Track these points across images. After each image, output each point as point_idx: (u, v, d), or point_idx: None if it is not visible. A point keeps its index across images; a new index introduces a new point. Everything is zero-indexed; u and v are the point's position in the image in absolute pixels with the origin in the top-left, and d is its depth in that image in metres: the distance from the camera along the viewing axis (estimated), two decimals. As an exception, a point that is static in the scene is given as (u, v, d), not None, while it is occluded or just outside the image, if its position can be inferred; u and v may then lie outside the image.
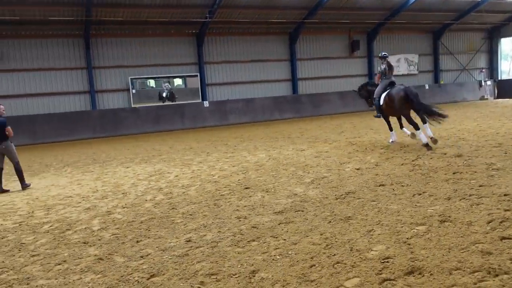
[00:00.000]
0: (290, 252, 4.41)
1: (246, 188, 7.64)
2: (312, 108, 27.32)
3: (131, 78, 23.45)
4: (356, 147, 11.42)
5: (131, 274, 4.24)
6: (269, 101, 26.42)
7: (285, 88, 27.77)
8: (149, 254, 4.75)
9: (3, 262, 4.85)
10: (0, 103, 9.85)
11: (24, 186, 9.28)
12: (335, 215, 5.53)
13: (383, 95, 10.94)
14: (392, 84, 10.98)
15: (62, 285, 4.09)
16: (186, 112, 24.24)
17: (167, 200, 7.27)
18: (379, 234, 4.66)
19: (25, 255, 5.04)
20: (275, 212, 5.92)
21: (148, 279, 4.09)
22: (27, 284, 4.18)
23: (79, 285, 4.06)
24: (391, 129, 11.71)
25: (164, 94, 24.18)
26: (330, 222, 5.28)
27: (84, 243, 5.32)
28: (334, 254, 4.24)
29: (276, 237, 4.91)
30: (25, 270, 4.55)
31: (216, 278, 3.96)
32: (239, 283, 3.82)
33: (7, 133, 9.04)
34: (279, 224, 5.38)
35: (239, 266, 4.18)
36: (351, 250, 4.29)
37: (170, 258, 4.56)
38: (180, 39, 24.70)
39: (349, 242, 4.52)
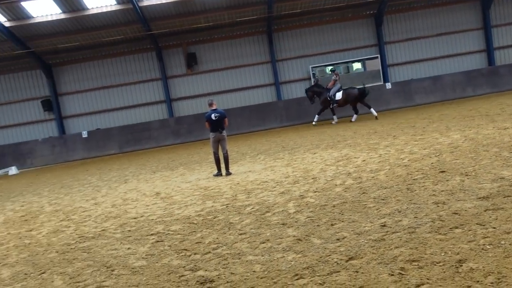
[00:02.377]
0: (502, 242, 3.95)
1: (442, 171, 7.12)
2: (514, 80, 23.80)
3: (311, 67, 24.07)
4: None
5: (329, 255, 4.38)
6: (460, 77, 23.98)
7: (478, 60, 24.81)
8: (345, 237, 4.83)
9: (217, 238, 5.54)
10: (212, 98, 11.33)
11: (228, 173, 10.43)
12: (557, 201, 4.74)
13: (339, 93, 20.08)
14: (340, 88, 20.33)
15: (268, 262, 4.47)
16: (368, 96, 23.71)
17: (357, 184, 7.27)
18: None
19: (234, 233, 5.67)
20: (479, 198, 5.37)
21: (346, 261, 4.17)
22: (239, 258, 4.70)
23: (282, 263, 4.38)
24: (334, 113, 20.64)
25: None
26: (551, 209, 4.55)
27: (283, 224, 5.71)
28: (561, 247, 3.64)
29: (483, 225, 4.46)
30: (235, 246, 5.12)
31: (418, 265, 3.80)
32: (444, 271, 3.60)
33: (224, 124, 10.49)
34: (485, 211, 4.87)
35: (442, 254, 3.94)
36: None
37: (367, 242, 4.55)
38: (357, 22, 24.29)
39: None
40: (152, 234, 6.19)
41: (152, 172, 13.29)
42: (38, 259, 5.88)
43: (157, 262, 4.96)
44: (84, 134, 23.54)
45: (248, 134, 22.24)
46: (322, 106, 20.85)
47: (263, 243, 5.09)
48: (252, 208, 6.81)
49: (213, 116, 10.36)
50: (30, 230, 7.78)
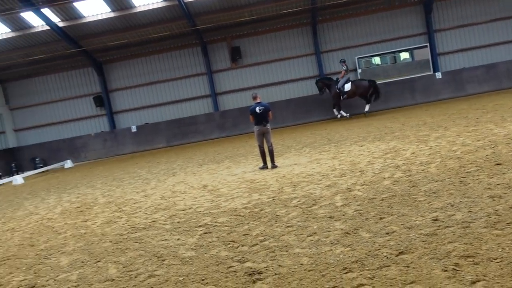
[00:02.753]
0: None
1: (497, 164, 6.80)
2: None
3: (357, 58, 23.60)
4: None
5: (379, 249, 4.30)
6: (517, 64, 22.71)
7: (537, 46, 23.41)
8: (394, 231, 4.72)
9: (264, 230, 5.58)
10: (256, 92, 11.42)
11: (273, 166, 10.45)
12: None
13: (348, 84, 20.16)
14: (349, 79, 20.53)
15: (315, 255, 4.45)
16: (416, 86, 23.00)
17: (406, 177, 7.08)
18: None
19: (281, 225, 5.68)
20: (540, 191, 5.10)
21: (396, 255, 4.08)
22: (286, 251, 4.70)
23: (330, 256, 4.35)
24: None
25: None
26: None
27: (330, 217, 5.66)
28: None
29: (545, 220, 4.23)
30: (283, 239, 5.13)
31: (473, 261, 3.66)
32: (502, 268, 3.45)
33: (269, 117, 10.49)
34: (546, 205, 4.61)
35: (500, 250, 3.77)
36: None
37: (418, 237, 4.43)
38: (405, 10, 23.53)
39: None
40: (200, 226, 6.32)
41: (199, 165, 13.53)
42: (93, 248, 6.15)
43: (205, 253, 5.06)
44: (133, 129, 24.30)
45: (293, 127, 22.15)
46: (334, 99, 21.19)
47: (310, 236, 5.07)
48: (299, 201, 6.79)
49: (257, 109, 10.39)
50: (85, 221, 8.14)
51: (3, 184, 18.66)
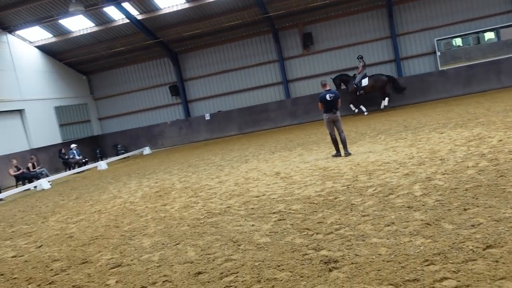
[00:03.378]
0: None
1: None
2: None
3: (436, 40, 22.29)
4: None
5: (463, 242, 4.06)
6: None
7: None
8: (481, 223, 4.44)
9: (339, 219, 5.49)
10: (325, 79, 11.26)
11: (347, 153, 10.25)
12: None
13: (365, 80, 20.09)
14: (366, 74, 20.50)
15: (394, 245, 4.30)
16: (502, 68, 21.27)
17: (492, 167, 6.62)
18: None
19: (356, 214, 5.56)
20: None
21: (484, 249, 3.84)
22: (363, 240, 4.60)
23: (410, 247, 4.18)
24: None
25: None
26: None
27: (409, 207, 5.44)
28: None
29: None
30: (358, 228, 5.02)
31: None
32: None
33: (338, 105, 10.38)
34: None
35: None
36: None
37: (507, 230, 4.13)
38: (491, -14, 21.76)
39: None
40: (274, 213, 6.36)
41: (271, 152, 13.61)
42: (172, 231, 6.42)
43: (280, 240, 5.09)
44: (207, 117, 24.97)
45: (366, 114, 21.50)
46: (352, 95, 21.12)
47: (388, 226, 4.91)
48: (375, 190, 6.60)
49: (327, 96, 10.23)
50: (164, 205, 8.53)
51: (89, 169, 20.07)
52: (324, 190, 7.18)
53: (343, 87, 21.44)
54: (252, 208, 6.87)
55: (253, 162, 12.24)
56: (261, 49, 24.41)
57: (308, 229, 5.31)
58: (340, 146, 10.40)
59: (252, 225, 5.93)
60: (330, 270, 3.99)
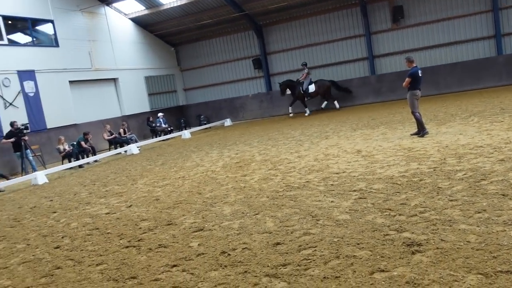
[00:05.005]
0: None
1: None
2: None
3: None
4: None
5: None
6: None
7: None
8: None
9: (424, 202, 5.26)
10: (410, 55, 10.74)
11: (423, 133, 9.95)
12: None
13: (312, 86, 21.52)
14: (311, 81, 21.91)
15: (485, 234, 4.04)
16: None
17: None
18: None
19: (443, 198, 5.28)
20: None
21: None
22: (450, 226, 4.37)
23: (504, 237, 3.91)
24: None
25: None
26: None
27: (503, 195, 5.06)
28: None
29: None
30: (445, 213, 4.78)
31: None
32: None
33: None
34: None
35: None
36: None
37: None
38: None
39: None
40: (354, 190, 6.25)
41: (352, 129, 13.31)
42: (252, 201, 6.57)
43: (360, 218, 5.00)
44: (288, 91, 24.85)
45: (457, 94, 20.14)
46: (298, 100, 22.23)
47: (479, 213, 4.61)
48: (464, 174, 6.21)
49: (419, 72, 9.80)
50: (244, 176, 8.73)
51: (174, 137, 21.06)
52: (408, 171, 6.90)
53: (288, 92, 22.45)
54: (332, 185, 6.80)
55: (333, 138, 12.07)
56: (348, 23, 23.63)
57: (390, 209, 5.16)
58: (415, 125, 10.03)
59: (332, 201, 5.88)
60: (413, 253, 3.85)
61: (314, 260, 4.01)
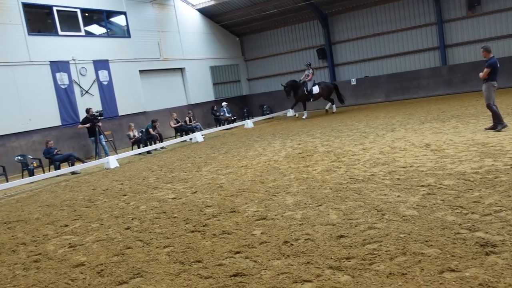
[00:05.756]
0: None
1: None
2: None
3: None
4: None
5: None
6: None
7: None
8: None
9: (499, 200, 4.96)
10: (488, 44, 10.13)
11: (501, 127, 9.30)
12: None
13: (316, 87, 20.76)
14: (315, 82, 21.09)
15: None
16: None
17: None
18: None
19: (522, 198, 4.95)
20: None
21: None
22: (529, 227, 4.09)
23: None
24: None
25: None
26: None
27: None
28: None
29: None
30: (524, 213, 4.47)
31: None
32: None
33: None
34: None
35: None
36: None
37: None
38: None
39: None
40: (422, 186, 6.01)
41: (420, 122, 12.78)
42: (314, 192, 6.53)
43: (429, 215, 4.81)
44: (353, 82, 24.34)
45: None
46: (299, 101, 21.46)
47: None
48: (547, 173, 5.77)
49: (498, 63, 9.24)
50: (307, 166, 8.68)
51: (237, 126, 21.36)
52: (482, 168, 6.53)
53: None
54: (398, 179, 6.59)
55: (400, 131, 11.66)
56: (418, 11, 22.60)
57: (461, 207, 4.91)
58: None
59: (398, 196, 5.70)
60: (487, 254, 3.65)
61: (379, 255, 3.92)
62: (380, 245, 4.16)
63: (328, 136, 12.79)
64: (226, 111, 22.96)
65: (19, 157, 14.32)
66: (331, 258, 4.02)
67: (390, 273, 3.55)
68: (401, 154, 8.47)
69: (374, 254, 3.97)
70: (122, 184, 10.08)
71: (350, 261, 3.90)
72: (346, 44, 24.94)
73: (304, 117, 20.90)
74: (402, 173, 6.90)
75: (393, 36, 23.40)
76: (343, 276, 3.64)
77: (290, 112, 23.12)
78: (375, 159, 8.40)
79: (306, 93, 20.87)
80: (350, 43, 24.80)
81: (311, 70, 21.15)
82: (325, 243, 4.43)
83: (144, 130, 17.56)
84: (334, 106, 21.44)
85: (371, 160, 8.36)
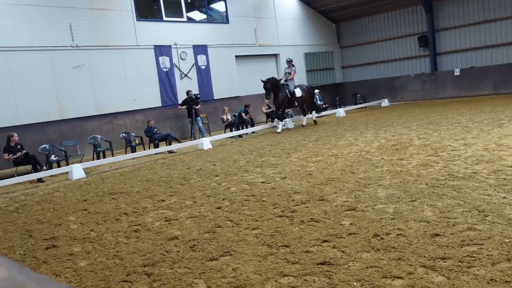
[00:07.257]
0: None
1: None
2: None
3: None
4: None
5: None
6: None
7: None
8: None
9: None
10: None
11: None
12: None
13: (297, 90, 16.77)
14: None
15: None
16: None
17: None
18: None
19: None
20: None
21: None
22: None
23: None
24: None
25: None
26: None
27: None
28: None
29: None
30: None
31: None
32: None
33: None
34: None
35: None
36: None
37: None
38: None
39: None
40: (533, 188, 5.47)
41: (533, 119, 11.60)
42: (408, 187, 6.25)
43: (540, 220, 4.37)
44: (456, 72, 22.71)
45: None
46: (282, 106, 16.62)
47: None
48: None
49: None
50: (401, 159, 8.32)
51: (328, 114, 21.06)
52: None
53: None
54: (505, 179, 6.05)
55: (508, 127, 10.68)
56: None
57: None
58: None
59: (504, 197, 5.25)
60: None
61: (479, 259, 3.65)
62: (481, 248, 3.87)
63: (426, 129, 12.12)
64: (318, 99, 22.71)
65: (124, 134, 15.51)
66: (425, 257, 3.82)
67: (492, 279, 3.29)
68: (509, 152, 7.76)
69: (474, 257, 3.70)
70: (214, 165, 10.48)
71: (445, 262, 3.68)
72: (451, 31, 23.25)
73: (278, 130, 16.26)
74: (510, 173, 6.33)
75: (506, 23, 21.33)
76: (437, 276, 3.45)
77: (280, 125, 16.65)
78: (478, 156, 7.79)
79: (289, 96, 16.63)
80: (456, 30, 23.07)
81: (293, 68, 17.20)
82: (419, 240, 4.22)
83: (237, 114, 18.02)
84: (314, 112, 18.44)
85: (474, 156, 7.77)
